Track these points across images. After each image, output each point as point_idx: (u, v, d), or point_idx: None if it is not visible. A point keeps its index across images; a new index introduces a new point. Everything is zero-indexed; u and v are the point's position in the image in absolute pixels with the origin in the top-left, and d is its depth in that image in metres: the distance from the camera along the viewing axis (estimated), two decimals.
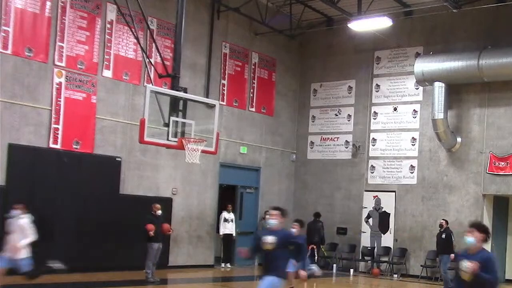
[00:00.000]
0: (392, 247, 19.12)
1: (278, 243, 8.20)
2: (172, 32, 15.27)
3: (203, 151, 12.10)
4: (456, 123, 18.24)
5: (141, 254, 14.41)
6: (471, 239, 6.60)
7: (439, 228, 16.78)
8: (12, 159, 13.81)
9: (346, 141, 20.40)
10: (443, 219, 17.04)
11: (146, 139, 11.32)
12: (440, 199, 18.41)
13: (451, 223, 17.31)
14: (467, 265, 6.38)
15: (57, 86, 14.66)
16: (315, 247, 19.17)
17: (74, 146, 14.97)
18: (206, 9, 18.34)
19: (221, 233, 18.39)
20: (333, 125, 20.77)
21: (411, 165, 19.03)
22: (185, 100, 12.12)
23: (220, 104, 15.30)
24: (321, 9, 19.53)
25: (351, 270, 19.20)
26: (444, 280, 15.94)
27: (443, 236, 16.58)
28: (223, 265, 18.49)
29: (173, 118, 11.76)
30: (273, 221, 8.37)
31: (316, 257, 19.22)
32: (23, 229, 10.71)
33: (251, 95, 19.83)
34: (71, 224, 14.74)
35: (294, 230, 12.18)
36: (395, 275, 18.55)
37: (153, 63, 15.19)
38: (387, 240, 19.28)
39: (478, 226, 6.70)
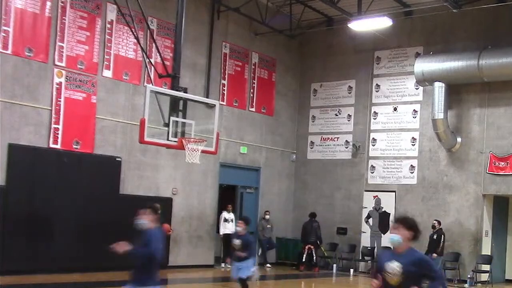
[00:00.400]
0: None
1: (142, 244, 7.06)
2: (172, 32, 15.26)
3: (203, 151, 12.09)
4: (456, 123, 18.23)
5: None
6: (396, 237, 5.67)
7: (432, 229, 16.84)
8: (12, 159, 13.80)
9: (346, 141, 20.39)
10: (435, 220, 17.07)
11: (146, 139, 11.32)
12: (440, 199, 18.39)
13: (451, 223, 17.28)
14: (394, 267, 5.60)
15: (57, 86, 14.66)
16: (312, 247, 19.18)
17: (74, 146, 14.97)
18: (206, 9, 18.34)
19: (221, 233, 18.36)
20: (333, 125, 20.76)
21: (411, 165, 19.02)
22: (185, 100, 12.12)
23: (220, 104, 15.29)
24: (321, 9, 19.52)
25: (351, 270, 19.19)
26: None
27: (435, 237, 16.70)
28: (223, 265, 18.46)
29: (173, 118, 11.76)
30: (142, 221, 7.13)
31: (314, 257, 19.25)
32: None
33: (251, 95, 19.82)
34: (71, 224, 14.74)
35: (239, 228, 11.50)
36: None
37: (153, 63, 15.18)
38: (387, 240, 19.26)
39: (404, 222, 5.68)
